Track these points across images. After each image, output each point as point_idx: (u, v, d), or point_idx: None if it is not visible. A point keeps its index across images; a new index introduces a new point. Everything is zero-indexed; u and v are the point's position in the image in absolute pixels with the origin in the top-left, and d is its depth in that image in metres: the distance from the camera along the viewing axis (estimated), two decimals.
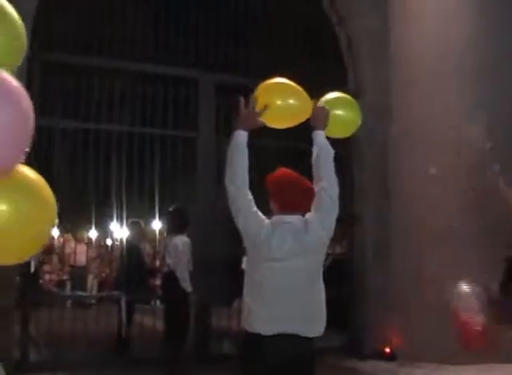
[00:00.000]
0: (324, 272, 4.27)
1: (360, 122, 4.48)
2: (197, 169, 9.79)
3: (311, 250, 4.07)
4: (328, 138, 4.27)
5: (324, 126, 4.25)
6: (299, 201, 4.15)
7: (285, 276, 4.01)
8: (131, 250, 10.18)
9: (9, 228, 2.40)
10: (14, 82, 2.36)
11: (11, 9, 2.62)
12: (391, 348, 9.65)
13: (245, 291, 4.13)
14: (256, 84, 4.30)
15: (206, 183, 9.60)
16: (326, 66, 10.55)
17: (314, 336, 4.06)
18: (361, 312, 10.08)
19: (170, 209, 8.73)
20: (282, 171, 4.32)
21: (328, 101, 4.39)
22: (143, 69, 9.73)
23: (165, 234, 8.86)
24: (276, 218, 4.14)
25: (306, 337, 4.00)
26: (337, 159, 4.27)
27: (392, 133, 10.14)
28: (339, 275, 10.25)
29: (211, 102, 9.83)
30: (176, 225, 8.59)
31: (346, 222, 10.49)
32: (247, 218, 4.02)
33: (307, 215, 4.12)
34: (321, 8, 10.63)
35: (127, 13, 9.47)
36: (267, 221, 4.07)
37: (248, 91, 4.31)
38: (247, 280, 4.14)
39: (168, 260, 8.46)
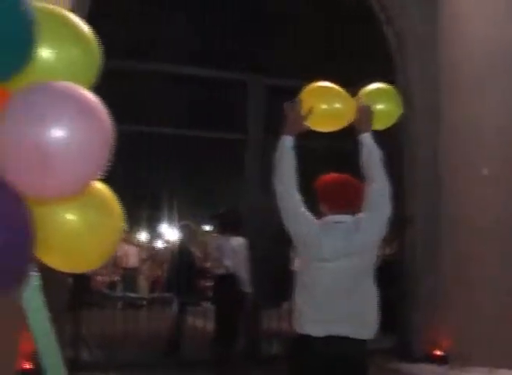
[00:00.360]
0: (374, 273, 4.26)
1: (401, 111, 4.43)
2: (246, 171, 9.82)
3: (362, 250, 4.07)
4: (376, 136, 4.25)
5: (370, 128, 4.21)
6: (348, 200, 4.15)
7: (336, 277, 4.00)
8: (182, 252, 10.24)
9: (82, 238, 2.47)
10: (95, 99, 2.41)
11: (85, 26, 2.68)
12: (441, 351, 9.55)
13: (295, 291, 4.12)
14: (304, 86, 4.31)
15: (254, 184, 9.62)
16: (375, 66, 10.50)
17: (365, 338, 4.02)
18: (411, 313, 9.98)
19: (222, 211, 8.77)
20: (331, 174, 4.34)
21: (368, 96, 4.33)
22: (193, 73, 9.80)
23: (216, 236, 8.83)
24: (327, 218, 4.13)
25: (357, 340, 3.96)
26: (387, 159, 4.26)
27: (443, 133, 10.05)
28: (389, 276, 10.18)
29: (260, 104, 9.84)
30: (229, 226, 8.62)
31: (397, 222, 10.43)
32: (295, 218, 4.02)
33: (359, 214, 4.10)
34: (370, 8, 10.58)
35: (176, 17, 9.54)
36: (316, 221, 4.06)
37: (297, 93, 4.33)
38: (297, 280, 4.13)
39: (227, 262, 8.47)
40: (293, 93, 4.46)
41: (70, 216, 2.45)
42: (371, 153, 4.17)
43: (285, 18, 10.11)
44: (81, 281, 9.30)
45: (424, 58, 10.25)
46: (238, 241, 8.48)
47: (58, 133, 2.17)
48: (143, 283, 17.40)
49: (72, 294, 8.59)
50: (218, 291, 8.87)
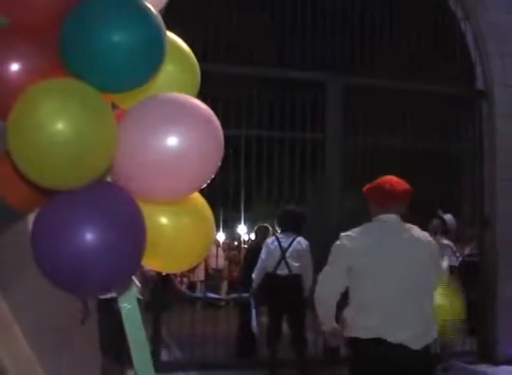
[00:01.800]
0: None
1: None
2: (325, 171, 9.79)
3: (413, 252, 4.20)
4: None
5: None
6: (393, 199, 4.28)
7: (387, 283, 4.12)
8: (254, 253, 10.14)
9: (181, 240, 2.61)
10: (207, 108, 2.50)
11: (184, 45, 2.84)
12: None
13: (350, 298, 4.29)
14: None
15: (333, 184, 9.58)
16: (453, 63, 10.36)
17: (420, 348, 4.06)
18: (493, 315, 9.79)
19: (284, 210, 8.72)
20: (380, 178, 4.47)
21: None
22: (270, 74, 9.83)
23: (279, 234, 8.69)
24: (374, 219, 4.38)
25: (412, 349, 4.02)
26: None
27: None
28: (470, 278, 10.02)
29: (338, 104, 9.80)
30: (293, 226, 8.54)
31: (477, 223, 10.29)
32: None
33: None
34: (447, 4, 10.43)
35: (253, 19, 9.58)
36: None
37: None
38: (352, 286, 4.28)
39: (294, 263, 8.36)
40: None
41: (173, 219, 2.57)
42: None
43: (363, 17, 10.04)
44: (161, 282, 9.37)
45: (503, 53, 10.06)
46: (304, 242, 8.42)
47: (175, 141, 2.31)
48: (222, 284, 17.52)
49: (153, 295, 8.67)
50: (280, 292, 8.69)
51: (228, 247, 17.87)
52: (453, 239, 9.71)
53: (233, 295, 11.02)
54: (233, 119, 9.41)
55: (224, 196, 9.59)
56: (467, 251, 11.14)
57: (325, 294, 4.29)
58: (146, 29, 2.25)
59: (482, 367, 9.47)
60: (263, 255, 8.62)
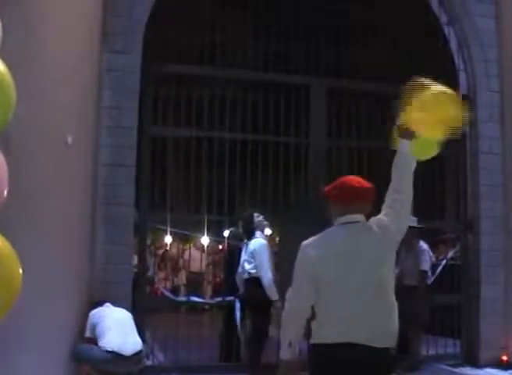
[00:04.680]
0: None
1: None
2: (309, 174, 9.82)
3: (375, 252, 4.05)
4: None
5: (411, 137, 4.25)
6: (355, 200, 4.14)
7: (348, 287, 4.01)
8: (233, 256, 10.17)
9: None
10: None
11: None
12: (508, 357, 9.41)
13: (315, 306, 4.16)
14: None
15: (317, 187, 9.59)
16: (437, 68, 10.39)
17: (383, 346, 3.99)
18: (477, 319, 9.82)
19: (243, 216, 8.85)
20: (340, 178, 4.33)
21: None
22: (253, 77, 9.84)
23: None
24: (335, 222, 4.20)
25: (374, 347, 3.94)
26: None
27: (506, 136, 9.90)
28: (453, 281, 10.08)
29: (322, 107, 9.83)
30: (248, 229, 8.67)
31: (460, 227, 10.33)
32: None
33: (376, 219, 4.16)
34: (431, 9, 10.48)
35: (237, 22, 9.59)
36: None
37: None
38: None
39: (249, 266, 8.52)
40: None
41: None
42: (406, 162, 4.20)
43: (348, 21, 10.08)
44: (145, 286, 9.35)
45: (487, 59, 10.12)
46: (255, 244, 8.49)
47: None
48: (206, 288, 17.52)
49: (136, 299, 8.65)
50: (244, 295, 8.84)
51: (212, 250, 17.84)
52: (437, 242, 9.77)
53: (217, 299, 10.99)
54: (217, 122, 9.43)
55: (208, 199, 9.59)
56: (450, 254, 11.20)
57: (294, 309, 4.12)
58: None
59: (466, 370, 9.49)
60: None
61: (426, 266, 9.42)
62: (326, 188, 4.29)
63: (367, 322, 3.96)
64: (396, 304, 4.10)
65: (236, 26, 9.60)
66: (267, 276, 8.32)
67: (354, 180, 4.22)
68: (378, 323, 3.99)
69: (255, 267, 8.43)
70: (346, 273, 4.00)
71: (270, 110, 9.71)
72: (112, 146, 8.56)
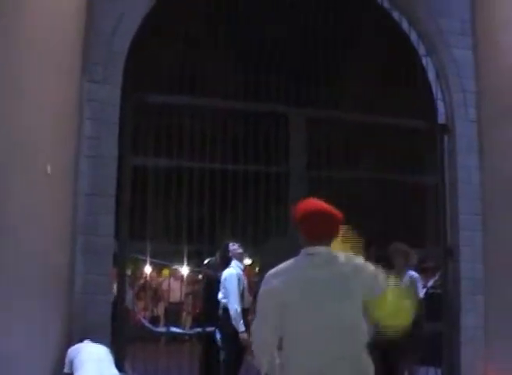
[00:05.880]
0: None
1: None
2: (289, 204, 9.81)
3: (342, 286, 3.94)
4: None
5: None
6: (322, 230, 4.04)
7: (318, 319, 3.90)
8: (212, 286, 10.16)
9: None
10: None
11: None
12: None
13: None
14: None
15: None
16: (416, 99, 10.49)
17: None
18: (457, 347, 9.82)
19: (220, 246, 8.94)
20: (308, 201, 4.23)
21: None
22: (234, 107, 9.86)
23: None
24: (302, 252, 4.09)
25: None
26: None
27: (485, 166, 9.97)
28: (434, 309, 10.07)
29: (302, 137, 9.86)
30: (223, 260, 8.74)
31: (440, 255, 10.36)
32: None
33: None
34: (409, 40, 10.60)
35: (217, 51, 9.63)
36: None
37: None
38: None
39: (220, 295, 8.55)
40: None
41: None
42: None
43: (327, 51, 10.15)
44: (124, 317, 9.28)
45: (464, 89, 10.23)
46: (225, 274, 8.53)
47: None
48: (186, 318, 17.43)
49: (115, 329, 8.59)
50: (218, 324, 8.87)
51: (192, 280, 17.77)
52: (417, 271, 9.77)
53: (197, 329, 10.93)
54: (198, 151, 9.43)
55: (188, 229, 9.57)
56: (430, 282, 11.20)
57: (262, 341, 4.01)
58: None
59: None
60: None
61: (421, 293, 9.39)
62: (295, 213, 4.18)
63: (335, 355, 3.84)
64: (364, 338, 3.98)
65: (216, 56, 9.63)
66: (233, 307, 8.35)
67: (321, 209, 4.10)
68: (347, 357, 3.87)
69: (225, 297, 8.47)
70: (310, 304, 3.89)
71: (250, 140, 9.72)
72: (92, 176, 8.54)
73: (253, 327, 4.12)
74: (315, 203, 4.17)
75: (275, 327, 3.96)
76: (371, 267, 4.05)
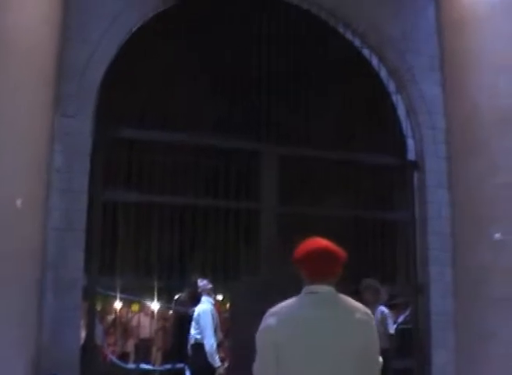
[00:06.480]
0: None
1: None
2: (260, 240, 9.80)
3: (338, 329, 3.80)
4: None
5: None
6: (324, 269, 3.93)
7: (316, 367, 3.75)
8: (183, 322, 10.10)
9: None
10: None
11: None
12: None
13: None
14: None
15: (269, 253, 9.59)
16: (387, 136, 10.59)
17: None
18: None
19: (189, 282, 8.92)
20: (310, 240, 4.09)
21: None
22: (206, 143, 9.85)
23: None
24: (303, 290, 3.96)
25: None
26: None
27: (455, 201, 10.05)
28: (404, 345, 10.07)
29: (274, 174, 9.88)
30: (194, 296, 8.73)
31: (410, 291, 10.39)
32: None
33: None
34: (379, 77, 10.72)
35: (190, 87, 9.66)
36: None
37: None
38: None
39: (194, 331, 8.52)
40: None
41: None
42: None
43: (300, 89, 10.24)
44: (93, 352, 9.18)
45: (434, 126, 10.35)
46: (199, 309, 8.50)
47: None
48: (156, 354, 17.23)
49: (84, 366, 8.48)
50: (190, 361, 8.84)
51: (162, 316, 17.61)
52: (388, 306, 9.79)
53: (167, 366, 10.84)
54: (169, 187, 9.41)
55: (159, 265, 9.52)
56: (401, 318, 11.21)
57: None
58: None
59: None
60: None
61: (392, 329, 9.40)
62: (295, 253, 4.04)
63: None
64: None
65: (189, 91, 9.65)
66: (209, 342, 8.31)
67: (322, 247, 3.99)
68: None
69: (200, 333, 8.42)
70: (302, 344, 3.77)
71: (222, 176, 9.73)
72: (63, 209, 8.48)
73: (254, 367, 3.96)
74: (317, 241, 4.06)
75: (274, 366, 3.82)
76: (372, 324, 3.95)
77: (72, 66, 8.76)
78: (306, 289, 3.95)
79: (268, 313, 3.93)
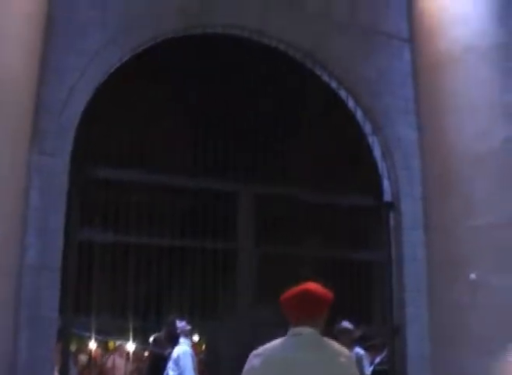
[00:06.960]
0: None
1: None
2: (237, 281, 9.78)
3: (328, 369, 3.84)
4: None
5: None
6: (304, 311, 4.00)
7: None
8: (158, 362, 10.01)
9: None
10: None
11: None
12: None
13: None
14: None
15: (246, 294, 9.56)
16: (363, 177, 10.65)
17: None
18: None
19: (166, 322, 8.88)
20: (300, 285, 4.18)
21: None
22: (182, 183, 9.86)
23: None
24: (288, 332, 4.03)
25: None
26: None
27: (431, 242, 10.09)
28: None
29: (251, 214, 9.90)
30: (171, 336, 8.67)
31: (387, 332, 10.37)
32: None
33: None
34: (355, 119, 10.82)
35: (168, 128, 9.69)
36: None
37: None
38: None
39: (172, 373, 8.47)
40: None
41: None
42: None
43: (276, 129, 10.30)
44: None
45: (409, 166, 10.43)
46: (178, 351, 8.45)
47: None
48: None
49: None
50: None
51: (137, 357, 17.46)
52: (364, 348, 9.78)
53: None
54: (145, 227, 9.38)
55: (135, 305, 9.46)
56: (377, 359, 11.19)
57: None
58: None
59: None
60: None
61: (368, 370, 9.38)
62: (282, 297, 4.14)
63: None
64: None
65: (166, 131, 9.69)
66: None
67: (305, 290, 4.08)
68: None
69: (179, 374, 8.36)
70: None
71: (198, 216, 9.73)
72: (38, 248, 8.41)
73: None
74: (304, 285, 4.14)
75: None
76: (355, 369, 3.98)
77: (50, 104, 8.74)
78: (291, 331, 4.02)
79: (252, 354, 3.99)
